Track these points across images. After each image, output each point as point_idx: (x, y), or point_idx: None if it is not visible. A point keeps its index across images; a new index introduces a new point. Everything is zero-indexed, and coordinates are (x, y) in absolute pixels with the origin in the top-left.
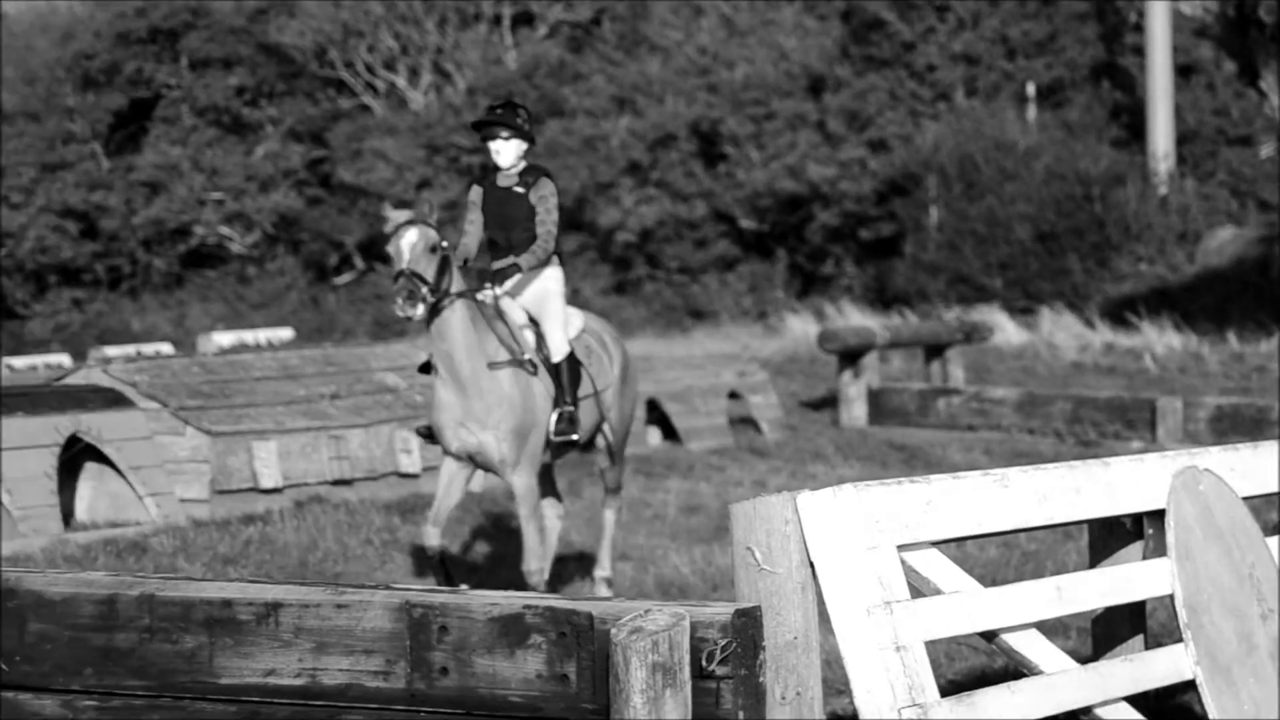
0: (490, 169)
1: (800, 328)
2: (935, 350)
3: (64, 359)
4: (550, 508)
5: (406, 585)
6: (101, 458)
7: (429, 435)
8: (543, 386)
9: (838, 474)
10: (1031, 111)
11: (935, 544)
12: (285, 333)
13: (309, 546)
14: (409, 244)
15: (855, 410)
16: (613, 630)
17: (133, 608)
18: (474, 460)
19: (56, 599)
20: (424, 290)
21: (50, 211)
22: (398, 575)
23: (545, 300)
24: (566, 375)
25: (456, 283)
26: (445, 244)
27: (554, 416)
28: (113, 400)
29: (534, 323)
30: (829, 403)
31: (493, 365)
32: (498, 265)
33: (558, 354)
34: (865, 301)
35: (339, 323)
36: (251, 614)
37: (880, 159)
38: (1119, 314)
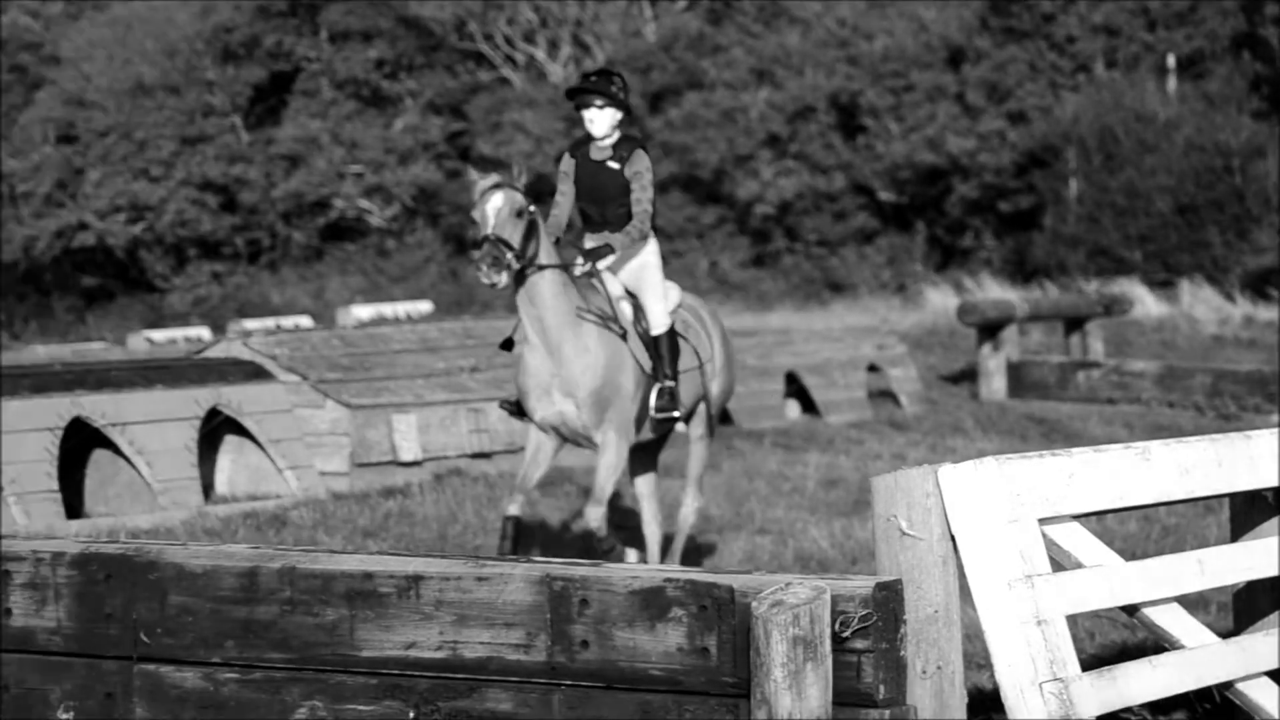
0: (583, 139)
1: (939, 300)
2: (1075, 323)
3: (203, 332)
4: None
5: (547, 559)
6: (241, 430)
7: (515, 409)
8: (632, 354)
9: (977, 447)
10: (1171, 83)
11: (1076, 517)
12: (424, 305)
13: (448, 519)
14: (494, 208)
15: (994, 383)
16: (754, 604)
17: (274, 580)
18: (559, 433)
19: (198, 571)
20: (509, 256)
21: (190, 185)
22: (535, 548)
23: (643, 273)
24: (666, 348)
25: (545, 249)
26: (533, 208)
27: (654, 392)
28: (253, 373)
29: (631, 296)
30: (968, 376)
31: (580, 314)
32: (591, 244)
33: (657, 327)
34: (1004, 274)
35: (478, 295)
36: (392, 587)
37: (1019, 131)
38: (1259, 287)
